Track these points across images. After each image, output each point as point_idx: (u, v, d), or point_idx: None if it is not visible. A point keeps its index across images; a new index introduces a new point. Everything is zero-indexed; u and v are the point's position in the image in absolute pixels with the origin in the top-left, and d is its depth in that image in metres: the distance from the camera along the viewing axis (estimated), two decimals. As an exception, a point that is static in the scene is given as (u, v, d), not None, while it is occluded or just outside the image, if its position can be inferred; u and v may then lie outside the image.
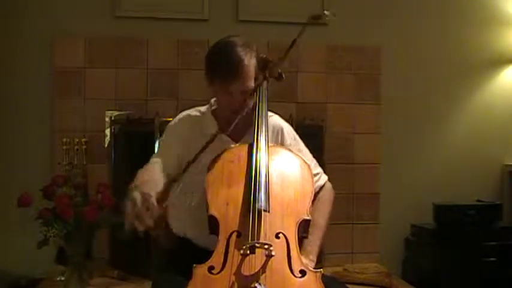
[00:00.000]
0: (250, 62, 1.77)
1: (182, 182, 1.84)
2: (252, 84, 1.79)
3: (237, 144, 1.86)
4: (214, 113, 1.91)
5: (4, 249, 3.04)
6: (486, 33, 3.56)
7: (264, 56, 1.93)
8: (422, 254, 3.25)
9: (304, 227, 1.73)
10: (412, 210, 3.38)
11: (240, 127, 1.86)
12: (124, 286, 2.79)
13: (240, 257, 1.50)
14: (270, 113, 1.95)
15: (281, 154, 1.83)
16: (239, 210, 1.63)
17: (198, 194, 1.80)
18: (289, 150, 1.87)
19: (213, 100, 1.94)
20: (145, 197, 1.44)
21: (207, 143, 1.65)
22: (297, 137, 2.01)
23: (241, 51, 1.76)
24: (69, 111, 3.12)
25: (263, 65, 1.90)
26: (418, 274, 3.20)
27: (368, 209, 3.37)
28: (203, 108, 1.95)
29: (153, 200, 1.45)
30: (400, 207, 3.28)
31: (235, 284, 1.46)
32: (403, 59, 3.47)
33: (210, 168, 1.73)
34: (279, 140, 1.94)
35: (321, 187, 1.97)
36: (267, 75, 1.97)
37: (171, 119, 2.04)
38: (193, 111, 1.97)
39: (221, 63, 1.76)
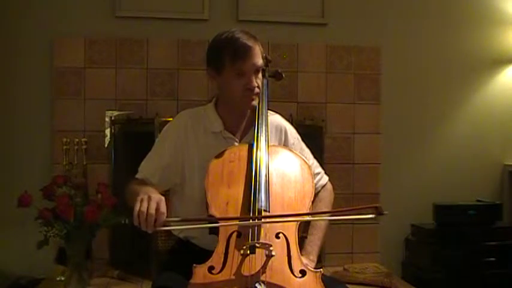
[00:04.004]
0: (254, 43, 1.80)
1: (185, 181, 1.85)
2: (261, 61, 1.81)
3: (238, 144, 1.86)
4: (217, 110, 1.90)
5: (4, 249, 3.03)
6: (486, 33, 3.56)
7: (265, 55, 1.93)
8: (422, 254, 3.24)
9: (304, 227, 1.73)
10: (412, 210, 3.38)
11: (241, 126, 1.87)
12: (124, 286, 2.79)
13: (240, 257, 1.51)
14: (271, 112, 1.95)
15: (281, 154, 1.83)
16: (239, 210, 1.64)
17: (198, 194, 1.80)
18: (290, 150, 1.87)
19: (214, 99, 1.94)
20: (158, 206, 1.52)
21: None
22: (299, 137, 2.01)
23: (244, 35, 1.80)
24: (69, 111, 3.12)
25: (265, 62, 1.90)
26: (418, 274, 3.20)
27: (368, 209, 3.36)
28: (206, 106, 1.95)
29: (164, 210, 1.53)
30: (400, 207, 3.28)
31: (235, 284, 1.46)
32: (403, 59, 3.47)
33: (210, 167, 1.73)
34: (282, 139, 1.94)
35: (323, 186, 1.97)
36: (266, 74, 1.99)
37: (171, 119, 2.04)
38: (195, 109, 1.96)
39: (229, 47, 1.77)
